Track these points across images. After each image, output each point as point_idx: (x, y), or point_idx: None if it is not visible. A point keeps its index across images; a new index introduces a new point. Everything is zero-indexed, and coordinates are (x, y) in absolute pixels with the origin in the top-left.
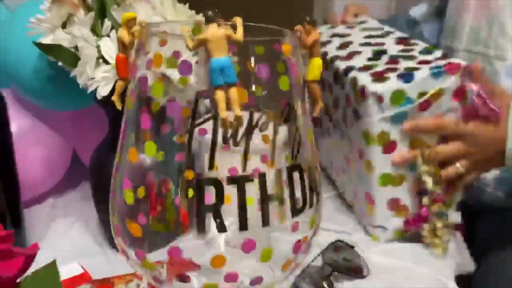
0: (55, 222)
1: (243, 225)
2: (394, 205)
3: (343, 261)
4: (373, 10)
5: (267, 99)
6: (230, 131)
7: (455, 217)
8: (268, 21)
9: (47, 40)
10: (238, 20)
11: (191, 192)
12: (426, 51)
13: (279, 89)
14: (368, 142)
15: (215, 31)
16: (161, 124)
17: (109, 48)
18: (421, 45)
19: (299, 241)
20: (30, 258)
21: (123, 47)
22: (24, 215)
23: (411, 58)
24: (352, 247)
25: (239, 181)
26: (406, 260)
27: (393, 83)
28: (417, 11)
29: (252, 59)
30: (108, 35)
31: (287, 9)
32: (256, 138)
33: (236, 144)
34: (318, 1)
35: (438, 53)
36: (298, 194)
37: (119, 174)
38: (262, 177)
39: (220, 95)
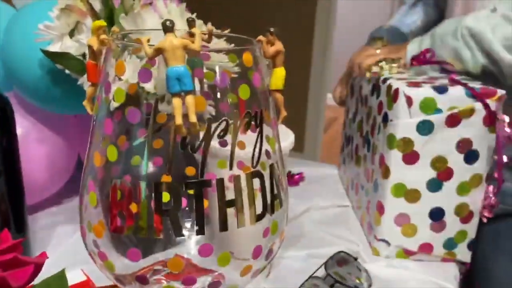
0: (59, 228)
1: (200, 230)
2: (403, 221)
3: (346, 273)
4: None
5: (228, 107)
6: (187, 138)
7: (463, 254)
8: (272, 25)
9: (55, 47)
10: (196, 31)
11: (166, 197)
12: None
13: (241, 98)
14: (390, 146)
15: (171, 41)
16: (122, 129)
17: None
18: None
19: (258, 246)
20: (38, 267)
21: (92, 54)
22: (28, 222)
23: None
24: (356, 258)
25: (196, 186)
26: (410, 272)
27: (426, 90)
28: (410, 21)
29: (217, 68)
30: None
31: (290, 13)
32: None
33: (194, 151)
34: (320, 5)
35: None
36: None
37: (85, 177)
38: (220, 182)
39: (176, 102)
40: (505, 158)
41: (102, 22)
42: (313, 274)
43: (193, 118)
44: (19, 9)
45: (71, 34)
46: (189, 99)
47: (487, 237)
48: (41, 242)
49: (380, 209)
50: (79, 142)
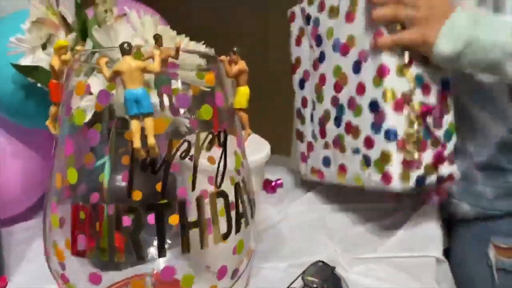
0: (35, 243)
1: (160, 252)
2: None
3: (324, 283)
4: None
5: (192, 127)
6: (148, 159)
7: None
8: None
9: (27, 60)
10: (156, 52)
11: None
12: None
13: (203, 117)
14: None
15: (129, 63)
16: (83, 150)
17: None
18: None
19: (223, 266)
20: None
21: (54, 73)
22: (3, 236)
23: None
24: (333, 268)
25: (157, 208)
26: (387, 281)
27: None
28: None
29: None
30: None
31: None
32: (203, 158)
33: (154, 172)
34: None
35: None
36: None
37: (48, 198)
38: (181, 204)
39: (134, 125)
40: None
41: (64, 42)
42: (290, 285)
43: (151, 141)
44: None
45: (44, 46)
46: (148, 121)
47: (463, 240)
48: (17, 256)
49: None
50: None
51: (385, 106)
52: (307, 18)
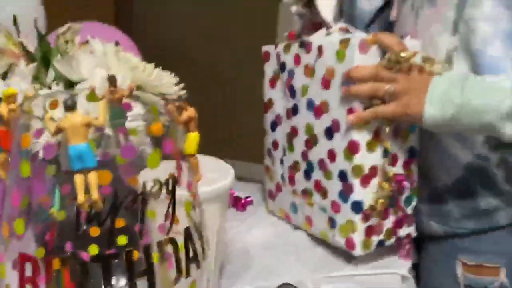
0: None
1: None
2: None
3: None
4: None
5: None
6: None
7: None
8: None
9: None
10: (101, 104)
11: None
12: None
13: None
14: None
15: (72, 120)
16: (30, 202)
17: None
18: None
19: None
20: None
21: (3, 121)
22: None
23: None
24: None
25: (103, 260)
26: None
27: None
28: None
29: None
30: (50, 87)
31: (250, 33)
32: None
33: (100, 224)
34: (282, 27)
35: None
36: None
37: None
38: (129, 254)
39: (78, 180)
40: None
41: (12, 91)
42: None
43: (95, 195)
44: None
45: (4, 76)
46: (91, 175)
47: (431, 257)
48: None
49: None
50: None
51: (353, 180)
52: (282, 65)
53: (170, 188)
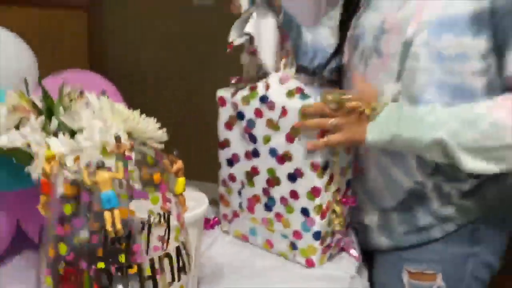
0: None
1: None
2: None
3: None
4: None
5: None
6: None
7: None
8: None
9: (3, 140)
10: (119, 164)
11: None
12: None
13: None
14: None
15: (102, 175)
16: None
17: (57, 146)
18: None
19: None
20: None
21: (46, 174)
22: None
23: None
24: None
25: (121, 268)
26: None
27: None
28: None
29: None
30: (55, 134)
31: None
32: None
33: (121, 245)
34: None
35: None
36: None
37: (41, 264)
38: (139, 265)
39: (107, 215)
40: None
41: (52, 153)
42: None
43: (118, 226)
44: None
45: (17, 127)
46: (116, 212)
47: (382, 267)
48: None
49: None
50: (18, 209)
51: (315, 216)
52: (240, 114)
53: (166, 218)
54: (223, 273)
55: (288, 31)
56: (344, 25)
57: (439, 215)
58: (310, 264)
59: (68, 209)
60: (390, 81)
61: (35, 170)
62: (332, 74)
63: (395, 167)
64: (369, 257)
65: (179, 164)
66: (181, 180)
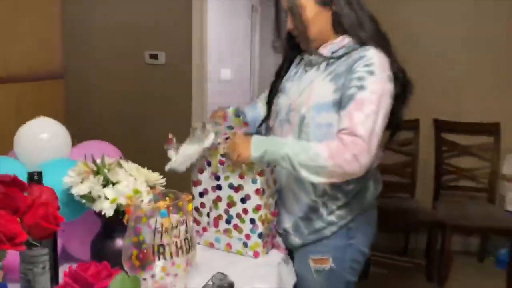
0: None
1: None
2: None
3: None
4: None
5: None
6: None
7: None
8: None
9: (75, 189)
10: (162, 203)
11: None
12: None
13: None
14: None
15: (161, 205)
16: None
17: (108, 193)
18: None
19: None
20: None
21: (128, 206)
22: None
23: None
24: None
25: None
26: None
27: None
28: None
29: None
30: (107, 185)
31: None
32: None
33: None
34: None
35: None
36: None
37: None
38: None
39: (164, 221)
40: None
41: (138, 191)
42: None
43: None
44: (47, 163)
45: (81, 182)
46: (165, 220)
47: (298, 259)
48: None
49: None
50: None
51: (258, 223)
52: (208, 162)
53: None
54: (197, 265)
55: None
56: (270, 103)
57: (327, 221)
58: (256, 255)
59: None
60: (295, 138)
61: (97, 207)
62: (263, 133)
63: (300, 190)
64: (290, 253)
65: (189, 198)
66: (190, 205)
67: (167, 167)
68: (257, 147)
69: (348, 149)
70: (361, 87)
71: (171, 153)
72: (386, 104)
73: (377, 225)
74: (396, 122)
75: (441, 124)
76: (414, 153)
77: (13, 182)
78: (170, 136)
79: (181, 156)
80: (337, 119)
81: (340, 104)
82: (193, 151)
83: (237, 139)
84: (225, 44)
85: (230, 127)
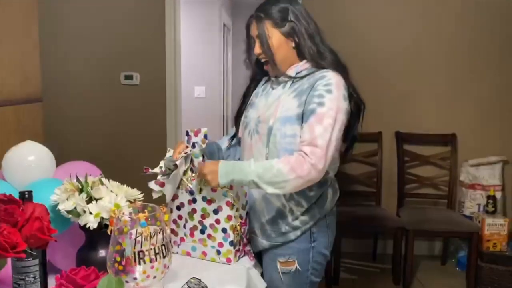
0: None
1: None
2: None
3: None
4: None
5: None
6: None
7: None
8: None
9: (62, 205)
10: (141, 216)
11: None
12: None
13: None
14: None
15: (148, 230)
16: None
17: (92, 208)
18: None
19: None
20: None
21: (111, 217)
22: None
23: None
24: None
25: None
26: None
27: None
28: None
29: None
30: (91, 201)
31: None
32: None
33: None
34: None
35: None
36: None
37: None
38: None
39: (145, 230)
40: None
41: (118, 206)
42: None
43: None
44: (34, 183)
45: (67, 199)
46: (145, 229)
47: (266, 261)
48: None
49: None
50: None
51: (230, 231)
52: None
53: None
54: (175, 272)
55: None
56: (239, 117)
57: (292, 225)
58: (229, 261)
59: (125, 244)
60: (263, 148)
61: (82, 221)
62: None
63: (272, 195)
64: (260, 258)
65: (165, 209)
66: (166, 216)
67: (154, 196)
68: (224, 176)
69: (306, 160)
70: (320, 104)
71: (151, 184)
72: (341, 118)
73: (346, 232)
74: (352, 135)
75: (402, 136)
76: (378, 163)
77: (9, 200)
78: (145, 167)
79: (166, 191)
80: (299, 130)
81: (302, 118)
82: (172, 186)
83: (205, 169)
84: (199, 63)
85: (194, 145)
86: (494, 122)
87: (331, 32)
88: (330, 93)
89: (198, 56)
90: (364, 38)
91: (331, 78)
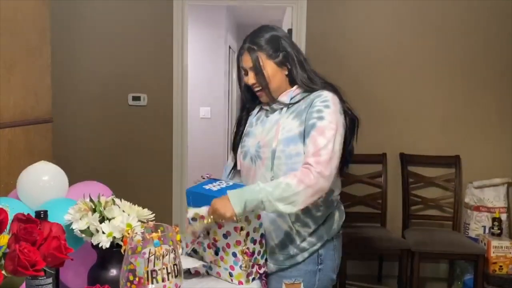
0: None
1: None
2: None
3: None
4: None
5: None
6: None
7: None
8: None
9: (75, 225)
10: (154, 235)
11: None
12: None
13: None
14: None
15: (155, 236)
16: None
17: (105, 228)
18: None
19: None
20: None
21: (125, 237)
22: None
23: None
24: None
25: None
26: None
27: None
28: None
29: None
30: (103, 221)
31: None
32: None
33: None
34: None
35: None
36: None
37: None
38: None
39: (157, 250)
40: None
41: (130, 226)
42: None
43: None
44: (48, 202)
45: (81, 218)
46: (157, 249)
47: (272, 283)
48: None
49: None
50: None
51: (240, 256)
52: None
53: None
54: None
55: None
56: (236, 149)
57: (300, 248)
58: (240, 283)
59: (138, 263)
60: (267, 172)
61: (95, 240)
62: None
63: (278, 216)
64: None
65: (177, 229)
66: (178, 236)
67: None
68: (236, 201)
69: (312, 170)
70: (320, 118)
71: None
72: (341, 131)
73: (351, 253)
74: (349, 151)
75: (407, 157)
76: (382, 185)
77: (28, 219)
78: (207, 173)
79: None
80: (303, 148)
81: (304, 135)
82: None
83: (215, 205)
84: (204, 84)
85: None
86: (498, 144)
87: (336, 53)
88: (328, 107)
89: (204, 77)
90: (369, 62)
91: (327, 95)
